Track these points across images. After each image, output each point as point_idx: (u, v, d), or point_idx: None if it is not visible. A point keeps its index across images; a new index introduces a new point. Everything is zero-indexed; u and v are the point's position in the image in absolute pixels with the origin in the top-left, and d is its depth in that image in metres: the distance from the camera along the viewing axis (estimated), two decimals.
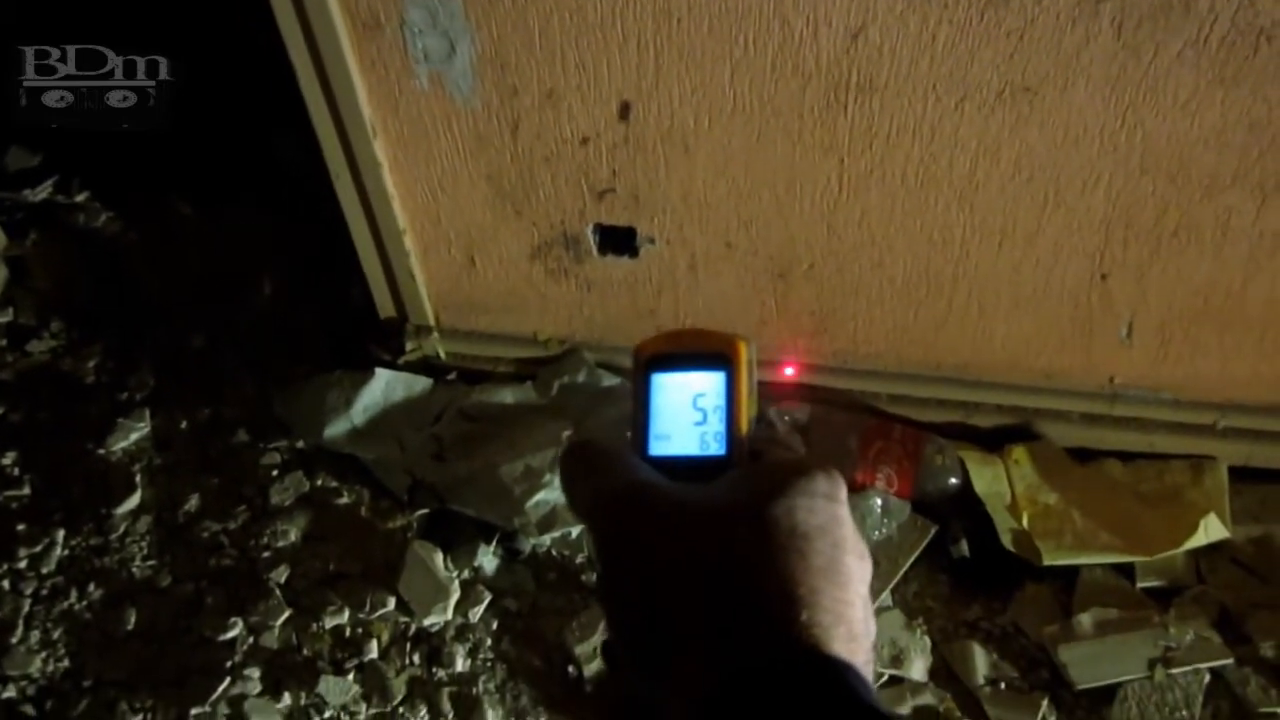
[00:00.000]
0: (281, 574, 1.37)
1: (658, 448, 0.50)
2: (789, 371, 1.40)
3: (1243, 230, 1.19)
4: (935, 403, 1.44)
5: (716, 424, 0.50)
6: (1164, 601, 1.29)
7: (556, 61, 1.20)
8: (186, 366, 1.63)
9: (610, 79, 1.21)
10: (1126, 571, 1.31)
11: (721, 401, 0.50)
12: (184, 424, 1.55)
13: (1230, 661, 1.23)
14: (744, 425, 0.50)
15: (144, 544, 1.42)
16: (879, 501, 1.34)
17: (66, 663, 1.32)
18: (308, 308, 1.67)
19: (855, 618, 0.42)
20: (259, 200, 1.75)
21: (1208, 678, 1.22)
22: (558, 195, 1.35)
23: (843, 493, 0.46)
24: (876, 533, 1.33)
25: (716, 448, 0.50)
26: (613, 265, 1.41)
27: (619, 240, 1.38)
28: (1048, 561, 1.29)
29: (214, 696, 1.26)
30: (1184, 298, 1.27)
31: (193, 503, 1.45)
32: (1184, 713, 1.20)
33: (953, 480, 1.37)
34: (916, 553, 1.33)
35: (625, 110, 1.23)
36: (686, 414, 0.51)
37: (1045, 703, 1.22)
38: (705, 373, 0.51)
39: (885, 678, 1.25)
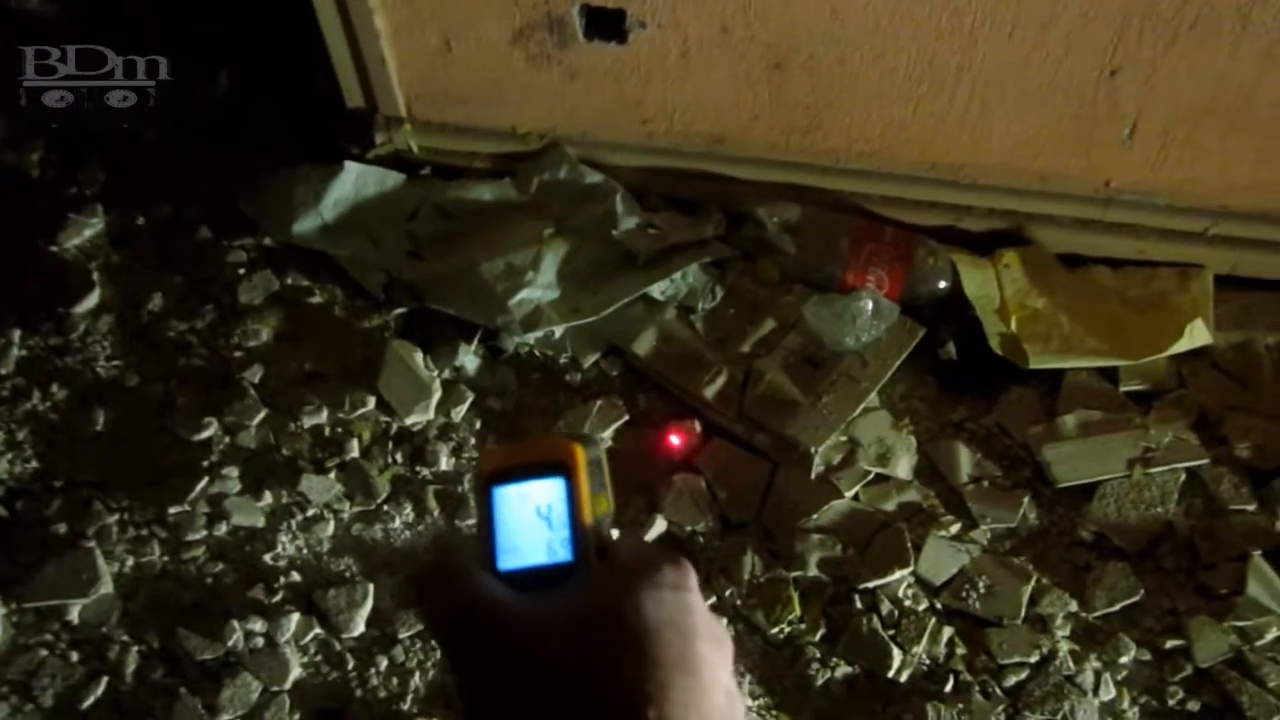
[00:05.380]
0: (255, 374, 1.33)
1: (506, 561, 0.51)
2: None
3: (1263, 23, 1.14)
4: (927, 205, 1.41)
5: (561, 530, 0.51)
6: (1145, 404, 1.31)
7: None
8: (138, 159, 1.53)
9: None
10: (1110, 375, 1.32)
11: (563, 508, 0.51)
12: (141, 220, 1.46)
13: (1206, 461, 1.26)
14: (589, 528, 0.51)
15: (106, 344, 1.36)
16: (869, 303, 1.32)
17: (35, 463, 1.28)
18: (266, 95, 1.56)
19: (710, 704, 0.43)
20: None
21: (1184, 477, 1.25)
22: None
23: (692, 580, 0.48)
24: (866, 334, 1.31)
25: (564, 554, 0.51)
26: (599, 52, 1.33)
27: (607, 23, 1.30)
28: (1034, 364, 1.30)
29: (192, 495, 1.24)
30: (1192, 96, 1.23)
31: (156, 302, 1.39)
32: (1159, 509, 1.23)
33: (943, 283, 1.35)
34: (904, 354, 1.32)
35: None
36: (531, 524, 0.52)
37: (1027, 500, 1.24)
38: (545, 481, 0.52)
39: (871, 475, 1.26)
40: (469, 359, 1.34)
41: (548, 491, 0.52)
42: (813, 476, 1.25)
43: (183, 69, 1.42)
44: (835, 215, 1.40)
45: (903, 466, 1.27)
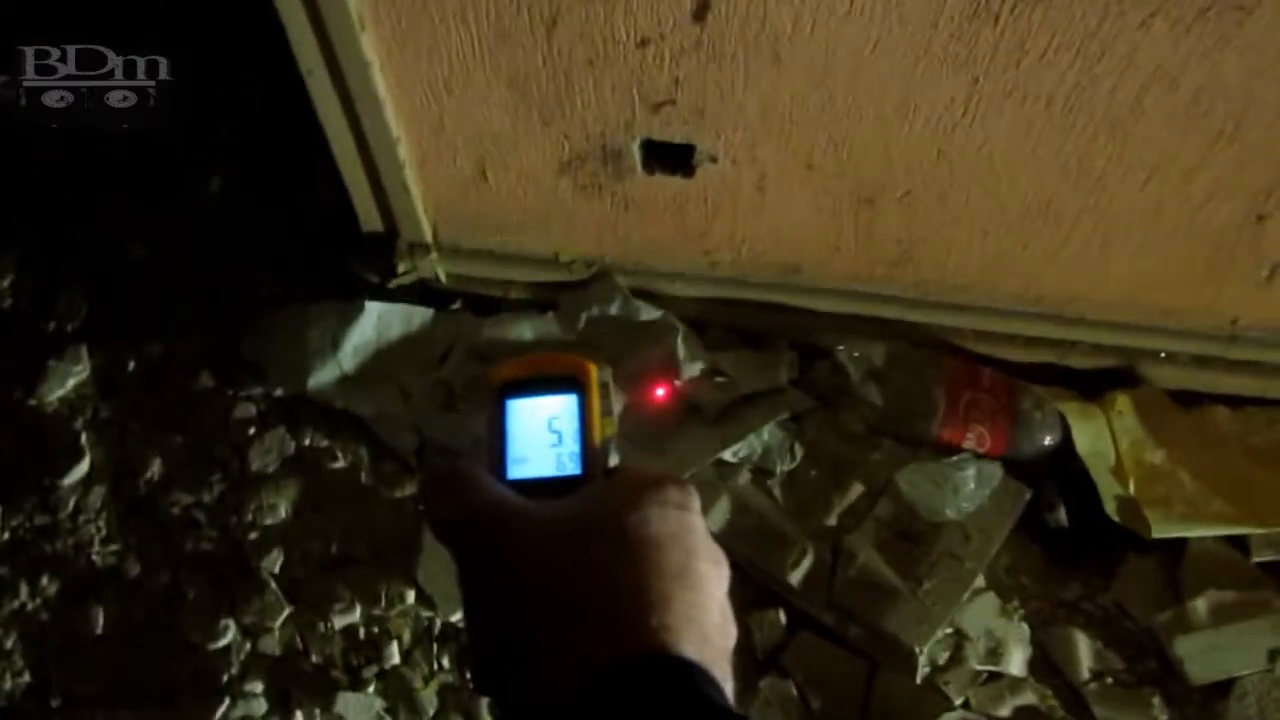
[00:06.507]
0: (274, 560, 1.16)
1: (516, 471, 0.52)
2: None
3: None
4: (1024, 340, 1.25)
5: (571, 445, 0.52)
6: (1278, 576, 1.17)
7: None
8: (124, 284, 1.34)
9: None
10: (1239, 542, 1.18)
11: (575, 423, 0.52)
12: (131, 364, 1.28)
13: None
14: (598, 445, 0.52)
15: (101, 523, 1.19)
16: (972, 471, 1.16)
17: (27, 676, 1.12)
18: (267, 210, 1.37)
19: (708, 620, 0.44)
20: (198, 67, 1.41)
21: None
22: (600, 104, 1.07)
23: (695, 502, 0.48)
24: (968, 504, 1.16)
25: (572, 467, 0.52)
26: (660, 183, 1.15)
27: (673, 157, 1.12)
28: (1157, 534, 1.15)
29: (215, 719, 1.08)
30: None
31: (155, 468, 1.22)
32: None
33: (1050, 438, 1.20)
34: (1011, 524, 1.17)
35: (702, 9, 0.95)
36: (542, 436, 0.53)
37: (1157, 700, 1.11)
38: (558, 396, 0.53)
39: (985, 676, 1.12)
40: None
41: (560, 406, 0.53)
42: (918, 680, 1.11)
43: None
44: (924, 355, 1.23)
45: (1016, 662, 1.13)
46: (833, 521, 1.18)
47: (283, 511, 1.19)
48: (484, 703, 1.11)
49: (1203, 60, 0.91)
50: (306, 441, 1.23)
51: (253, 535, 1.18)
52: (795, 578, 1.15)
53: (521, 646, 0.43)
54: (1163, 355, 1.24)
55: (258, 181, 1.39)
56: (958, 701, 1.11)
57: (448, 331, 1.28)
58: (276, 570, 1.16)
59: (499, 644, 0.44)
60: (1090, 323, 1.23)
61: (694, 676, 0.41)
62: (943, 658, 1.12)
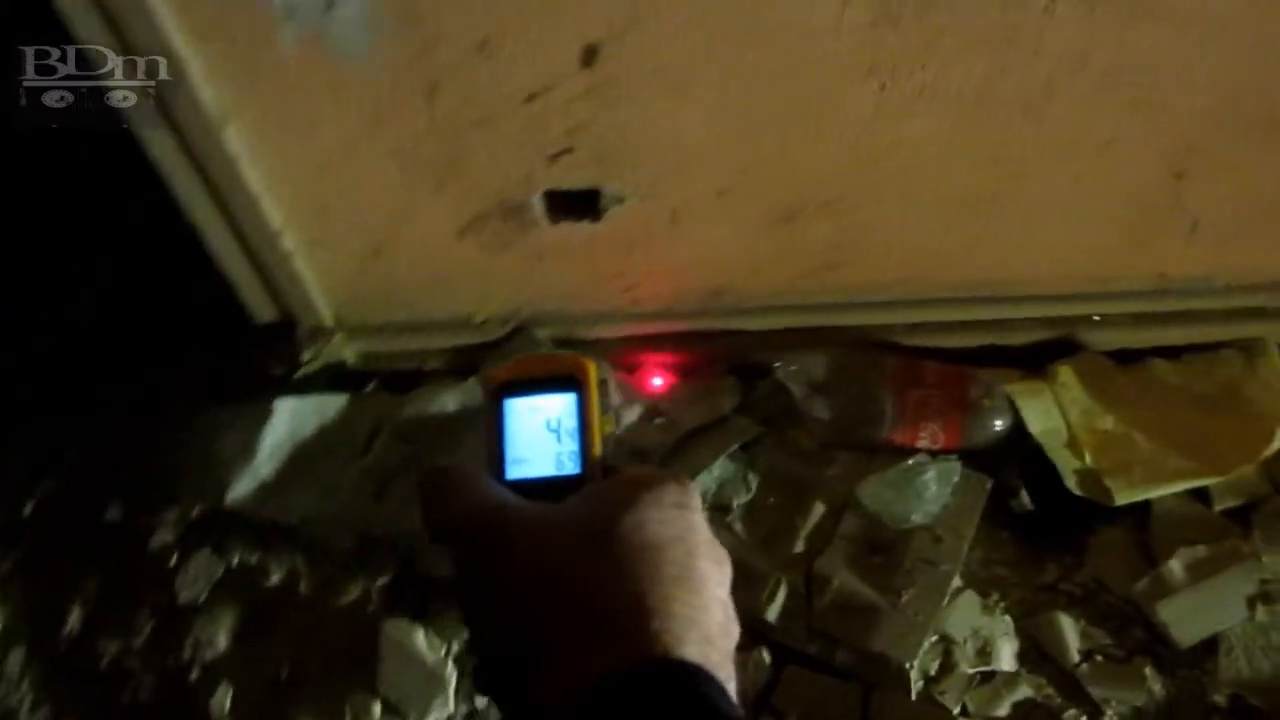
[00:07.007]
0: (223, 697, 1.08)
1: (514, 471, 0.52)
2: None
3: None
4: (960, 325, 1.23)
5: (570, 444, 0.51)
6: (1244, 521, 1.17)
7: (491, 2, 0.83)
8: (3, 416, 1.23)
9: (570, 17, 0.85)
10: (1201, 495, 1.18)
11: (574, 423, 0.52)
12: (28, 508, 1.17)
13: None
14: (597, 444, 0.52)
15: (25, 689, 1.09)
16: (931, 472, 1.14)
17: None
18: (152, 308, 1.27)
19: (710, 621, 0.44)
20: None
21: None
22: (494, 164, 1.00)
23: (696, 500, 0.48)
24: (934, 505, 1.14)
25: (571, 467, 0.51)
26: (569, 230, 1.09)
27: (578, 204, 1.06)
28: (1121, 501, 1.14)
29: None
30: (1272, 185, 1.07)
31: (74, 619, 1.12)
32: None
33: (1001, 423, 1.18)
34: (977, 516, 1.15)
35: (590, 55, 0.88)
36: (541, 437, 0.52)
37: (1149, 670, 1.10)
38: (557, 395, 0.52)
39: (977, 678, 1.10)
40: None
41: (559, 405, 0.52)
42: (914, 696, 1.08)
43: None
44: (866, 360, 1.20)
45: (1006, 657, 1.11)
46: (800, 547, 1.14)
47: (222, 642, 1.10)
48: None
49: (1111, 36, 0.89)
50: (235, 561, 1.14)
51: (194, 674, 1.09)
52: (772, 613, 1.11)
53: (522, 650, 0.43)
54: (1097, 319, 1.22)
55: (136, 281, 1.28)
56: (956, 709, 1.08)
57: (367, 416, 1.20)
58: (227, 708, 1.07)
59: (500, 646, 0.44)
60: (1023, 298, 1.21)
61: (697, 681, 0.40)
62: (934, 667, 1.10)
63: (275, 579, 1.13)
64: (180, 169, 0.97)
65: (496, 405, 0.53)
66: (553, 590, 0.43)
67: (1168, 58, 0.91)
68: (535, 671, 0.42)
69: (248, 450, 1.15)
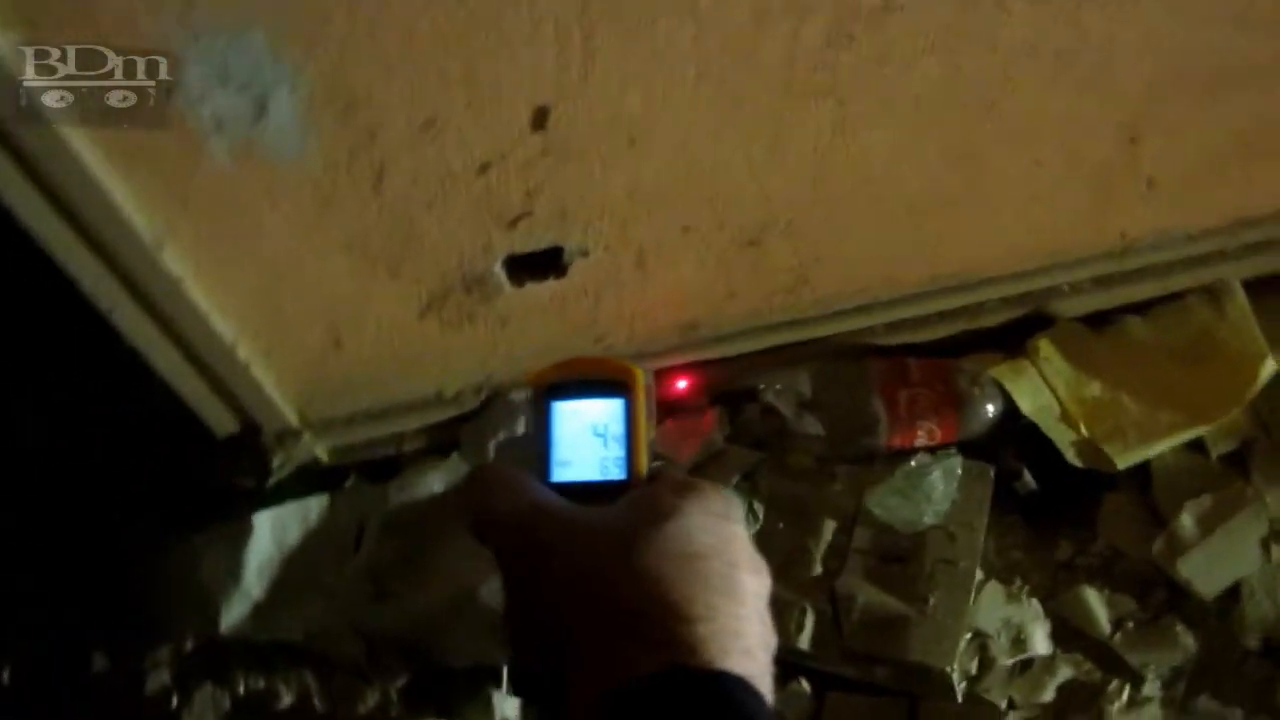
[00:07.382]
0: None
1: (560, 474, 0.51)
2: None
3: None
4: (936, 317, 1.22)
5: (617, 450, 0.51)
6: (1241, 464, 1.18)
7: (432, 80, 0.78)
8: None
9: (516, 83, 0.81)
10: (1197, 445, 1.19)
11: (621, 429, 0.52)
12: (4, 675, 1.10)
13: None
14: (643, 451, 0.51)
15: None
16: (936, 473, 1.13)
17: None
18: (106, 431, 1.20)
19: (751, 632, 0.44)
20: None
21: None
22: (450, 240, 0.95)
23: (738, 511, 0.48)
24: (943, 504, 1.13)
25: (617, 473, 0.51)
26: (534, 291, 1.05)
27: (541, 264, 1.01)
28: (1122, 465, 1.14)
29: None
30: (1222, 140, 1.07)
31: None
32: None
33: (992, 407, 1.17)
34: (987, 506, 1.14)
35: (541, 116, 0.84)
36: (587, 441, 0.52)
37: (1179, 627, 1.10)
38: (604, 400, 0.52)
39: (1017, 668, 1.09)
40: (509, 706, 1.08)
41: (606, 411, 0.52)
42: (960, 699, 1.07)
43: None
44: (850, 369, 1.18)
45: (1040, 641, 1.10)
46: (818, 570, 1.12)
47: None
48: None
49: (1062, 22, 0.88)
50: (241, 690, 1.08)
51: None
52: (803, 641, 1.09)
53: (560, 652, 0.43)
54: (1066, 288, 1.22)
55: (83, 403, 1.21)
56: (1003, 704, 1.07)
57: (352, 512, 1.14)
58: None
59: (539, 648, 0.44)
60: (991, 280, 1.20)
61: (739, 692, 0.40)
62: (973, 666, 1.09)
63: (287, 700, 1.08)
64: (121, 303, 0.90)
65: (543, 407, 0.52)
66: (595, 594, 0.43)
67: (1120, 35, 0.90)
68: (573, 675, 0.42)
69: (233, 573, 1.09)
